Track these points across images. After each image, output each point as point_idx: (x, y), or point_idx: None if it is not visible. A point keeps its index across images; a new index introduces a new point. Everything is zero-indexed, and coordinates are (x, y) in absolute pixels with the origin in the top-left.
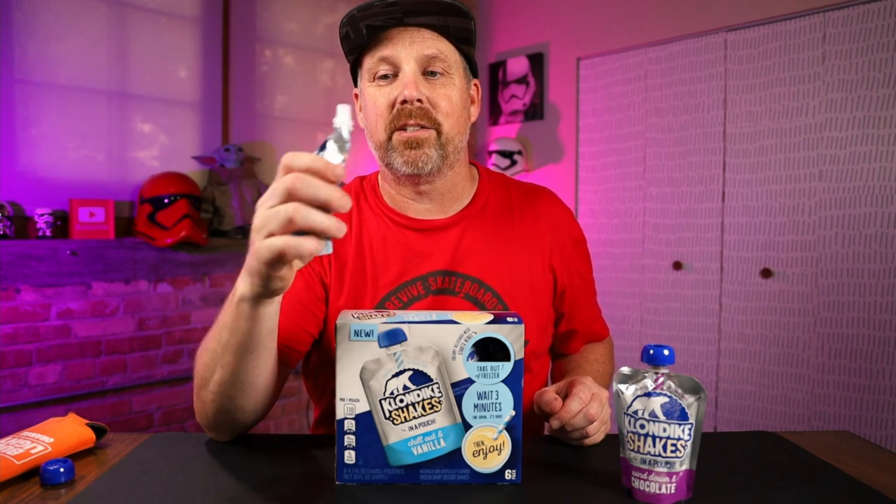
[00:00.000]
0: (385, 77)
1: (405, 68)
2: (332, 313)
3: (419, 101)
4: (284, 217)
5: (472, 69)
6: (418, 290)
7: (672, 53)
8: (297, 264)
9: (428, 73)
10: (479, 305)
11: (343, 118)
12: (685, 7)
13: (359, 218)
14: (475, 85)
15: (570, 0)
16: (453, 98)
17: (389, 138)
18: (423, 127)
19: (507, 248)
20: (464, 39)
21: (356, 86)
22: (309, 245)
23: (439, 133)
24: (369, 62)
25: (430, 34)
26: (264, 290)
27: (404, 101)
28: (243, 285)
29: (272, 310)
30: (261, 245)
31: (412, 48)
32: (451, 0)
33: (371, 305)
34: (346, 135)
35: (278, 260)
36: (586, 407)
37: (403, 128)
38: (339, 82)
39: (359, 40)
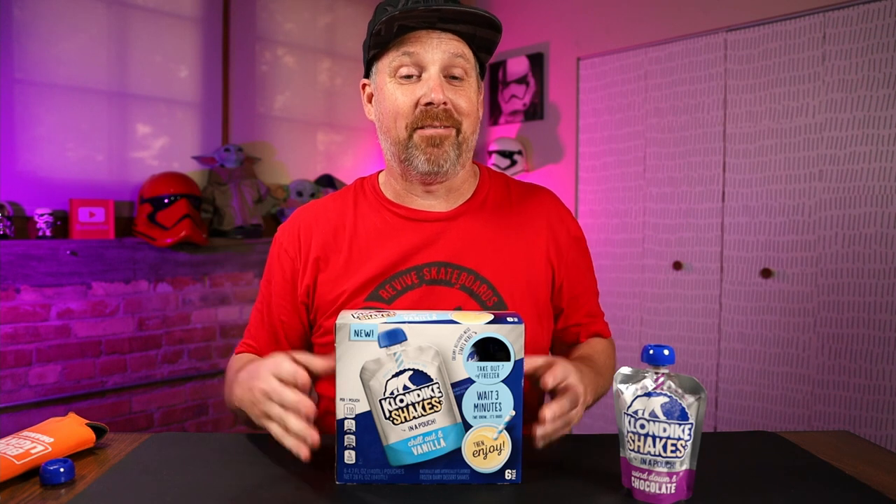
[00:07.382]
0: (408, 77)
1: (431, 70)
2: (324, 301)
3: (444, 103)
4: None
5: (481, 73)
6: (412, 279)
7: (672, 53)
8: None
9: (449, 76)
10: (475, 297)
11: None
12: (685, 7)
13: (354, 216)
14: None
15: (570, 0)
16: (472, 99)
17: (410, 136)
18: (445, 126)
19: (506, 242)
20: (485, 49)
21: (367, 77)
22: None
23: (458, 132)
24: (393, 58)
25: (455, 39)
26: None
27: (429, 104)
28: (238, 403)
29: None
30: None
31: (438, 50)
32: (489, 15)
33: (364, 295)
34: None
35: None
36: (562, 418)
37: (424, 127)
38: (338, 82)
39: (388, 37)
